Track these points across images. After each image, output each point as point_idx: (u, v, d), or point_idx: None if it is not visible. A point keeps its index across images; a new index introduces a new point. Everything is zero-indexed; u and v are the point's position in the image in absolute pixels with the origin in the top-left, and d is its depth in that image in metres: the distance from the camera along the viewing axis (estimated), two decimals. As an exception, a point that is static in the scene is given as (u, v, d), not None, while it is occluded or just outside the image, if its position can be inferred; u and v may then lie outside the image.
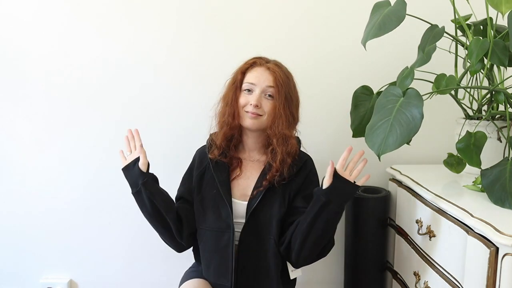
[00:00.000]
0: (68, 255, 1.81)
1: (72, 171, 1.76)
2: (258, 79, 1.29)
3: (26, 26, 1.68)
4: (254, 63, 1.32)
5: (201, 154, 1.40)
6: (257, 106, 1.27)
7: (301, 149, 1.38)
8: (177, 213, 1.31)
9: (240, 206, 1.31)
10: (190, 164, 1.42)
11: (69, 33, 1.68)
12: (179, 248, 1.38)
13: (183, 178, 1.42)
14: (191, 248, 1.43)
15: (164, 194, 1.33)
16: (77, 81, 1.70)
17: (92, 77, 1.70)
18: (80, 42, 1.69)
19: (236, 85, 1.32)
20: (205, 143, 1.41)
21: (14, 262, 1.82)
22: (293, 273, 1.36)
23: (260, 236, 1.28)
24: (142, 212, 1.32)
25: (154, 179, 1.32)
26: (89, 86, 1.71)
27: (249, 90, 1.30)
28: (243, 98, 1.30)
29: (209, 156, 1.34)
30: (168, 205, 1.31)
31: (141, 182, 1.26)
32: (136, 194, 1.29)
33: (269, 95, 1.29)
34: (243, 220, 1.29)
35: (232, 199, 1.31)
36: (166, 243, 1.38)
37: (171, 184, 1.39)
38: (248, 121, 1.29)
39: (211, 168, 1.33)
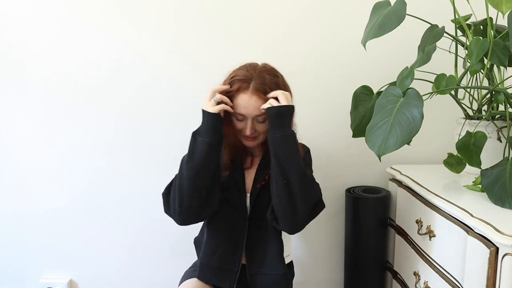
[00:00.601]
0: (68, 255, 1.81)
1: (72, 171, 1.76)
2: (246, 110, 1.24)
3: (25, 25, 1.68)
4: (239, 89, 1.24)
5: None
6: (252, 133, 1.27)
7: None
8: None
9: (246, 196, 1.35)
10: None
11: (68, 32, 1.68)
12: (190, 217, 1.27)
13: None
14: (193, 248, 1.45)
15: None
16: (76, 80, 1.70)
17: (92, 77, 1.70)
18: (79, 42, 1.68)
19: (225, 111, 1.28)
20: None
21: (14, 262, 1.82)
22: (287, 258, 1.39)
23: (263, 223, 1.31)
24: (207, 162, 1.22)
25: None
26: (89, 86, 1.71)
27: (240, 119, 1.27)
28: (237, 124, 1.28)
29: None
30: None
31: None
32: (211, 143, 1.21)
33: (262, 120, 1.27)
34: (248, 210, 1.33)
35: None
36: (185, 202, 1.24)
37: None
38: (246, 143, 1.31)
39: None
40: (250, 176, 1.36)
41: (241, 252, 1.32)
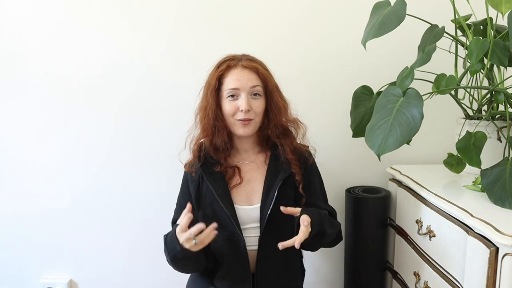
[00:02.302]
0: (68, 255, 1.81)
1: (72, 171, 1.76)
2: (240, 82, 1.21)
3: (24, 25, 1.68)
4: (228, 67, 1.24)
5: (190, 168, 1.31)
6: (248, 110, 1.21)
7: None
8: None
9: (247, 211, 1.26)
10: (183, 182, 1.35)
11: (67, 32, 1.68)
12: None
13: (180, 197, 1.35)
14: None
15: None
16: (76, 80, 1.70)
17: (91, 76, 1.70)
18: (79, 41, 1.68)
19: (215, 94, 1.24)
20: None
21: (14, 262, 1.82)
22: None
23: (281, 236, 1.16)
24: (196, 264, 1.23)
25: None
26: (88, 85, 1.71)
27: (233, 96, 1.23)
28: (229, 106, 1.23)
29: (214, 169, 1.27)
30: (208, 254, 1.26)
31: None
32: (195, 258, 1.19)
33: (256, 94, 1.24)
34: (257, 224, 1.25)
35: (236, 206, 1.26)
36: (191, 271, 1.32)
37: (168, 183, 1.38)
38: (240, 130, 1.24)
39: (206, 180, 1.26)
40: (243, 191, 1.28)
41: (249, 272, 1.24)
